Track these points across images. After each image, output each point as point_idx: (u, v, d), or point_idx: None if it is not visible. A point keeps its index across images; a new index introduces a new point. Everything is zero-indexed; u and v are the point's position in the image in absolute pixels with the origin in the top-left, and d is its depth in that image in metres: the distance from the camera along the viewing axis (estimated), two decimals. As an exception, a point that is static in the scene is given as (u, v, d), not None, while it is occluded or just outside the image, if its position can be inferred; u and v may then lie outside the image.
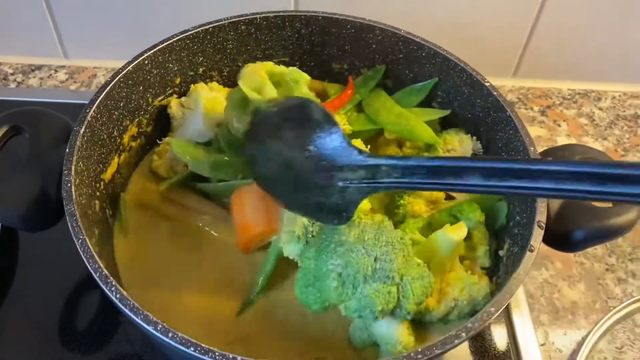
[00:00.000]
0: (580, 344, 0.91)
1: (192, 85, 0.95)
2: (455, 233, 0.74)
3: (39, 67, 1.28)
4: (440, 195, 0.85)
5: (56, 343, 0.86)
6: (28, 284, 0.93)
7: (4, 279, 0.92)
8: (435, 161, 0.61)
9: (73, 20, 1.22)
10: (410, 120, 0.91)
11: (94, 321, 0.89)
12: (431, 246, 0.75)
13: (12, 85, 1.25)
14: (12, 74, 1.27)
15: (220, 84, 0.99)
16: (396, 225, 0.82)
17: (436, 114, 0.94)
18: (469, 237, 0.79)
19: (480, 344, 0.90)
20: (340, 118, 0.92)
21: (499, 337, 0.91)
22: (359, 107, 0.97)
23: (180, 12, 1.19)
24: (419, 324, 0.74)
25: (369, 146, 0.85)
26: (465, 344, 0.90)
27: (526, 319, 0.93)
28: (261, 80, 0.82)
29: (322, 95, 1.01)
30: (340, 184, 0.65)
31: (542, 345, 0.92)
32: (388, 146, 0.93)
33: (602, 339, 0.92)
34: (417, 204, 0.83)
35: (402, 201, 0.83)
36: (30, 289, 0.92)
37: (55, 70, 1.28)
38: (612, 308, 0.94)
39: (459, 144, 0.89)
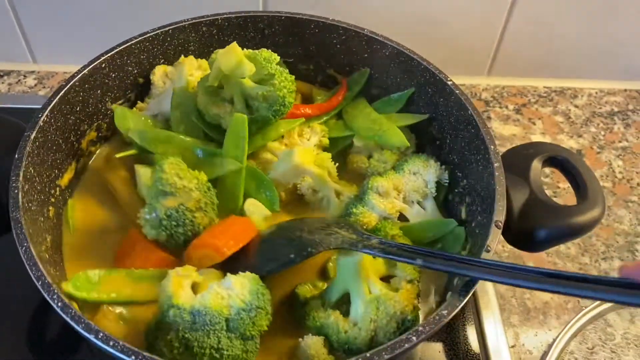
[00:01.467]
0: (550, 345, 0.89)
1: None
2: (350, 256, 0.73)
3: (8, 73, 1.27)
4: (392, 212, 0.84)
5: (23, 353, 0.84)
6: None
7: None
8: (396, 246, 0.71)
9: (41, 25, 1.21)
10: (383, 126, 0.90)
11: (62, 331, 0.87)
12: (342, 273, 0.74)
13: (-19, 91, 1.23)
14: (-20, 80, 1.25)
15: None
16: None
17: (413, 118, 0.93)
18: None
19: (454, 345, 0.88)
20: (320, 128, 0.92)
21: (472, 338, 0.89)
22: (339, 115, 0.97)
23: (149, 13, 1.17)
24: (352, 354, 0.68)
25: (337, 164, 0.89)
26: (439, 345, 0.88)
27: (497, 320, 0.91)
28: (237, 58, 0.80)
29: (308, 98, 1.00)
30: (331, 231, 0.76)
31: (513, 347, 0.90)
32: (359, 156, 0.93)
33: (573, 340, 0.91)
34: (369, 216, 0.82)
35: (354, 209, 0.83)
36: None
37: (25, 76, 1.27)
38: (584, 308, 0.93)
39: (424, 168, 0.87)
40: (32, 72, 1.27)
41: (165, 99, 0.91)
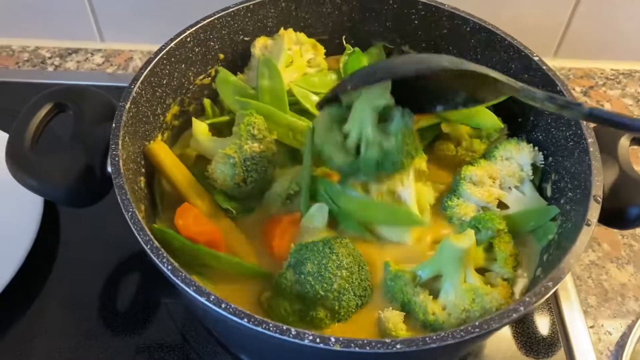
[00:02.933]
0: (631, 327, 0.88)
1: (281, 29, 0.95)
2: (460, 241, 0.71)
3: (76, 51, 1.29)
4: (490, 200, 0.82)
5: (98, 323, 0.87)
6: (70, 262, 0.93)
7: (46, 257, 0.93)
8: None
9: (109, 3, 1.22)
10: (472, 108, 0.87)
11: (135, 301, 0.90)
12: (442, 255, 0.73)
13: (50, 69, 1.25)
14: (49, 58, 1.27)
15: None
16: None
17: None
18: (490, 248, 0.76)
19: (524, 328, 0.88)
20: (420, 162, 0.83)
21: (543, 321, 0.89)
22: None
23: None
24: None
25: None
26: (508, 330, 0.88)
27: (574, 301, 0.91)
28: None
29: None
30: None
31: (591, 327, 0.89)
32: (446, 143, 0.90)
33: (653, 321, 0.90)
34: (466, 207, 0.81)
35: (449, 202, 0.82)
36: (72, 268, 0.93)
37: (92, 54, 1.28)
38: (663, 290, 0.92)
39: (517, 151, 0.85)
40: (99, 50, 1.29)
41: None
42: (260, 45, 0.94)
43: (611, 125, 0.65)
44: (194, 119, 0.86)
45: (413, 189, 0.79)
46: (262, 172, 0.81)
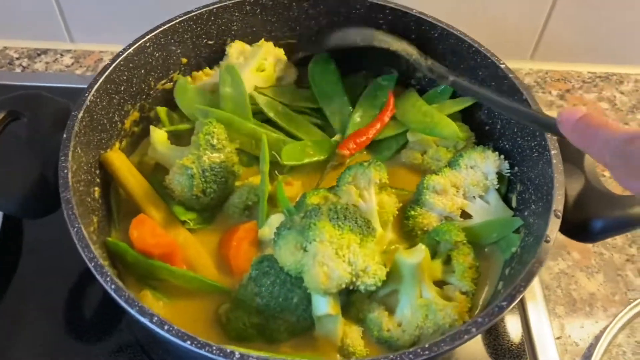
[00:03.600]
0: (598, 338, 0.87)
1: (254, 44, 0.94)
2: (410, 256, 0.69)
3: (45, 52, 1.26)
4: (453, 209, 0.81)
5: (61, 332, 0.85)
6: (32, 272, 0.91)
7: (7, 267, 0.91)
8: None
9: (78, 3, 1.20)
10: (434, 117, 0.87)
11: (99, 310, 0.87)
12: (395, 271, 0.71)
13: (18, 70, 1.23)
14: (17, 59, 1.25)
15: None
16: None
17: (464, 102, 0.90)
18: (449, 260, 0.74)
19: (494, 336, 0.87)
20: (381, 175, 0.81)
21: (514, 329, 0.87)
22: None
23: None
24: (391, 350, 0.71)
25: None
26: (478, 337, 0.87)
27: (541, 311, 0.89)
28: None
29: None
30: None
31: (558, 338, 0.88)
32: (412, 152, 0.90)
33: (621, 333, 0.88)
34: (428, 217, 0.79)
35: (411, 212, 0.80)
36: (35, 278, 0.90)
37: (61, 55, 1.26)
38: (632, 300, 0.90)
39: (482, 160, 0.83)
40: (69, 50, 1.27)
41: None
42: (237, 47, 0.92)
43: (472, 96, 0.83)
44: (152, 127, 0.84)
45: (374, 203, 0.77)
46: (221, 183, 0.79)
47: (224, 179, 0.79)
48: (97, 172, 0.79)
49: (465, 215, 0.82)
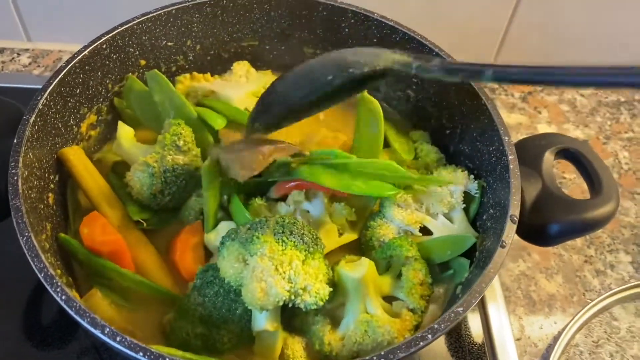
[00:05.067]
0: (556, 338, 0.89)
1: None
2: (352, 270, 0.68)
3: (1, 51, 1.23)
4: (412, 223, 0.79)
5: (19, 339, 0.83)
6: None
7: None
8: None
9: (35, 2, 1.16)
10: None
11: (57, 317, 0.85)
12: (341, 284, 0.70)
13: (-28, 70, 1.19)
14: (-28, 58, 1.21)
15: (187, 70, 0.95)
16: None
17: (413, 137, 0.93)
18: (400, 275, 0.73)
19: (456, 337, 0.88)
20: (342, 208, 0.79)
21: (475, 330, 0.88)
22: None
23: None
24: None
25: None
26: (441, 337, 0.87)
27: (502, 312, 0.90)
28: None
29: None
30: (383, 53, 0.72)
31: (518, 339, 0.89)
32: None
33: (578, 333, 0.90)
34: (386, 228, 0.78)
35: (371, 222, 0.79)
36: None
37: (18, 54, 1.23)
38: (589, 301, 0.92)
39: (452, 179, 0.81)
40: (26, 50, 1.23)
41: (232, 89, 0.91)
42: (243, 67, 0.94)
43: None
44: (120, 122, 0.82)
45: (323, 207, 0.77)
46: (181, 185, 0.78)
47: (184, 181, 0.78)
48: (52, 177, 0.76)
49: (426, 232, 0.80)
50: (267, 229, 0.64)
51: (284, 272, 0.61)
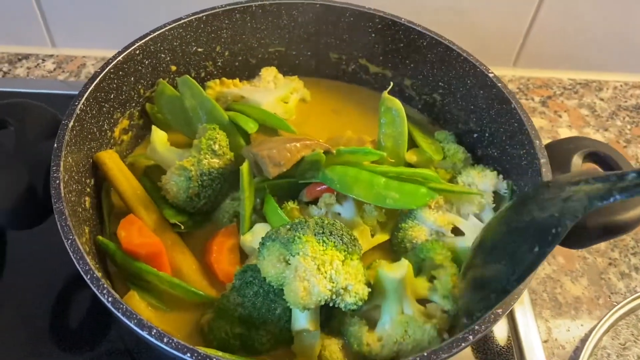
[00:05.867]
0: (584, 341, 0.89)
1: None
2: (392, 271, 0.69)
3: (26, 57, 1.24)
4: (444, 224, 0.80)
5: (48, 342, 0.83)
6: (18, 282, 0.89)
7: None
8: None
9: (60, 7, 1.18)
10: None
11: (86, 319, 0.86)
12: (379, 285, 0.70)
13: (-2, 75, 1.21)
14: (-2, 64, 1.23)
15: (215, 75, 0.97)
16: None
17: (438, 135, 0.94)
18: (432, 279, 0.74)
19: (483, 341, 0.88)
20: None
21: (502, 333, 0.89)
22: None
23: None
24: None
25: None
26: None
27: (529, 315, 0.91)
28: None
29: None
30: (568, 194, 0.58)
31: (545, 342, 0.90)
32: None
33: (605, 335, 0.90)
34: (418, 230, 0.79)
35: (403, 224, 0.79)
36: (21, 288, 0.89)
37: (43, 60, 1.24)
38: (615, 303, 0.92)
39: (479, 178, 0.83)
40: (51, 56, 1.25)
41: (260, 94, 0.93)
42: (271, 72, 0.95)
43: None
44: (154, 127, 0.84)
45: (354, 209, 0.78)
46: (216, 188, 0.80)
47: (219, 184, 0.79)
48: (88, 181, 0.78)
49: (458, 232, 0.81)
50: (308, 229, 0.65)
51: (326, 272, 0.62)
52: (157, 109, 0.90)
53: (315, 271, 0.62)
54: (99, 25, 1.21)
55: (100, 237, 0.74)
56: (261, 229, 0.75)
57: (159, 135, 0.83)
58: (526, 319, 0.90)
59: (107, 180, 0.80)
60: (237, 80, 0.95)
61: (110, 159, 0.80)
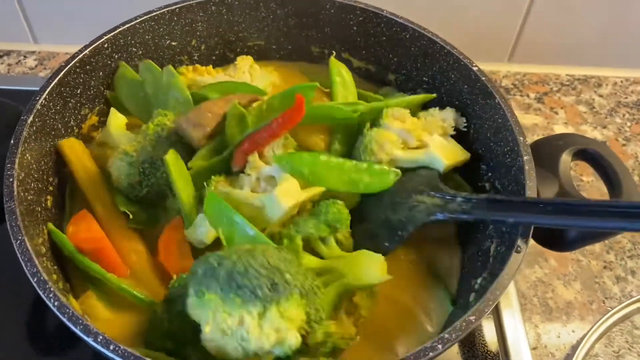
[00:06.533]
0: (574, 348, 0.84)
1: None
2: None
3: (7, 53, 1.22)
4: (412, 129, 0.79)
5: (23, 345, 0.80)
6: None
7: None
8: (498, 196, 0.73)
9: (41, 3, 1.15)
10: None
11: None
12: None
13: (-21, 72, 1.18)
14: (-21, 60, 1.20)
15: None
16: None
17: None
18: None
19: (469, 346, 0.84)
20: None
21: (489, 338, 0.85)
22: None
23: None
24: None
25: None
26: (455, 345, 0.84)
27: (517, 320, 0.86)
28: None
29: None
30: (414, 202, 0.72)
31: (534, 349, 0.86)
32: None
33: (598, 342, 0.86)
34: (385, 135, 0.77)
35: (367, 132, 0.78)
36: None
37: (25, 57, 1.21)
38: (610, 309, 0.88)
39: (440, 112, 0.83)
40: (33, 52, 1.22)
41: None
42: (247, 61, 0.91)
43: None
44: (112, 109, 0.80)
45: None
46: (160, 178, 0.74)
47: (164, 174, 0.74)
48: (51, 179, 0.75)
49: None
50: (215, 281, 0.57)
51: (233, 333, 0.56)
52: (115, 92, 0.86)
53: (220, 334, 0.56)
54: (82, 21, 1.18)
55: (50, 225, 0.70)
56: (202, 220, 0.70)
57: (117, 118, 0.79)
58: (515, 324, 0.86)
59: (70, 178, 0.77)
60: (210, 68, 0.90)
61: (70, 148, 0.77)
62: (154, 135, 0.74)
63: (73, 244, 0.70)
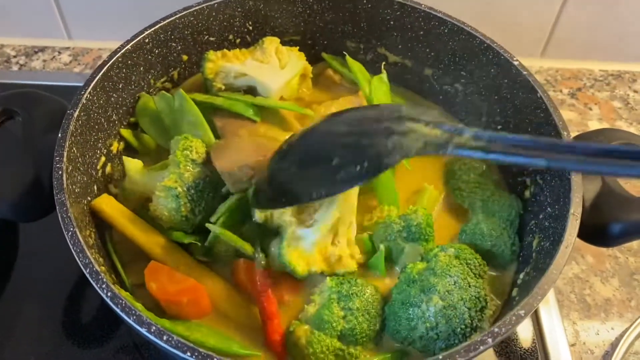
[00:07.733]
0: (614, 345, 0.84)
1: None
2: None
3: (42, 49, 1.23)
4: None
5: (59, 336, 0.82)
6: (29, 276, 0.88)
7: (2, 271, 0.88)
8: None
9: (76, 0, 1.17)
10: None
11: (98, 313, 0.84)
12: None
13: (15, 68, 1.20)
14: (14, 57, 1.22)
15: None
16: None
17: None
18: None
19: (506, 342, 0.84)
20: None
21: (526, 335, 0.84)
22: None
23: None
24: None
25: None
26: (489, 342, 0.84)
27: (555, 317, 0.86)
28: None
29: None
30: (407, 128, 0.60)
31: (573, 345, 0.85)
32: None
33: (638, 340, 0.85)
34: None
35: None
36: (31, 282, 0.87)
37: (59, 52, 1.23)
38: (649, 306, 0.87)
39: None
40: (67, 48, 1.24)
41: (268, 76, 0.86)
42: (274, 43, 0.88)
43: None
44: (124, 158, 0.77)
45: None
46: (209, 198, 0.73)
47: (211, 194, 0.73)
48: (94, 172, 0.75)
49: None
50: None
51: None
52: (141, 126, 0.84)
53: None
54: (115, 16, 1.19)
55: (122, 291, 0.63)
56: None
57: (132, 165, 0.76)
58: (552, 320, 0.85)
59: (112, 227, 0.74)
60: (237, 51, 0.87)
61: (107, 205, 0.73)
62: (185, 161, 0.72)
63: (162, 299, 0.67)
